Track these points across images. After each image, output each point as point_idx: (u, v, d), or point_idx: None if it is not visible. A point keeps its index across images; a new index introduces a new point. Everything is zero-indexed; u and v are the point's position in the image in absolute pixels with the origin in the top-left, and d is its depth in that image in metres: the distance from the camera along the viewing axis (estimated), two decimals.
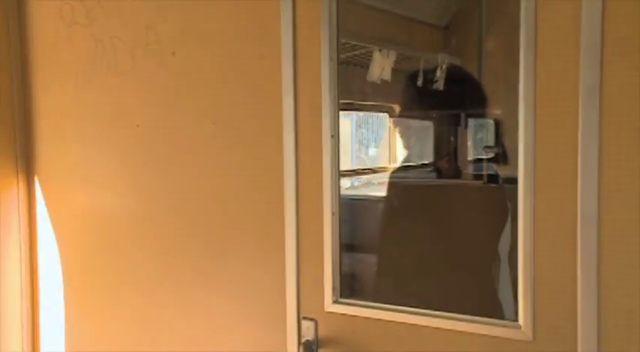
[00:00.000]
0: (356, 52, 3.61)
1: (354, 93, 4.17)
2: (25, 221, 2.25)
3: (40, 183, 2.24)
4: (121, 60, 2.05)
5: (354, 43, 3.37)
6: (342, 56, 3.61)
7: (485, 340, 1.56)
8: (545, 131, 1.47)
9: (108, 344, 2.19)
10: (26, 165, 2.24)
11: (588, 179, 1.41)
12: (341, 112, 1.81)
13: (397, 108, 2.18)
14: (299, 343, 1.78)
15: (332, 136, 1.79)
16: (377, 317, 1.70)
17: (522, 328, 1.52)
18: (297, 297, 1.80)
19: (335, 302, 1.77)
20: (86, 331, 2.24)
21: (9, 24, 2.17)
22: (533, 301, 1.50)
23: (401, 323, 1.66)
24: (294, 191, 1.79)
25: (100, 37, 2.08)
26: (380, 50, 2.56)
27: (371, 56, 3.73)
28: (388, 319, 1.68)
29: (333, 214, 1.76)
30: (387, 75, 2.33)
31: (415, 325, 1.65)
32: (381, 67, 2.55)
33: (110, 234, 2.14)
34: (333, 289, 1.77)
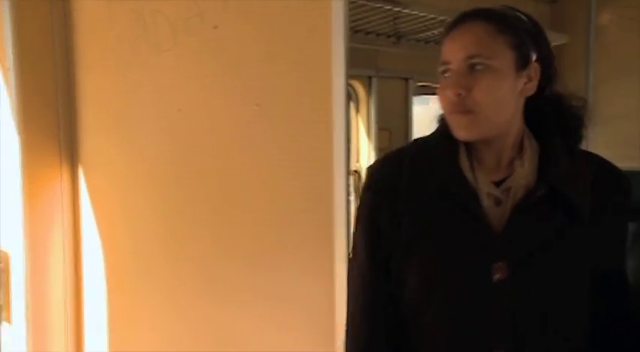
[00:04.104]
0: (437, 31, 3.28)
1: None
2: (69, 216, 2.11)
3: (84, 174, 2.08)
4: (162, 37, 1.86)
5: (442, 18, 3.05)
6: (429, 33, 3.30)
7: None
8: None
9: (152, 341, 2.00)
10: (70, 155, 2.09)
11: None
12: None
13: None
14: None
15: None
16: None
17: None
18: None
19: None
20: (130, 329, 2.07)
21: (52, 3, 2.02)
22: None
23: None
24: (344, 180, 1.53)
25: (140, 12, 1.89)
26: None
27: None
28: None
29: None
30: None
31: None
32: None
33: (154, 227, 1.96)
34: None
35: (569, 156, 1.21)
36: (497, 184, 1.19)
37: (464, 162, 1.22)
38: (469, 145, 1.22)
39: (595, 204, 1.18)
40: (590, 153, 1.27)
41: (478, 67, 1.14)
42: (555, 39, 3.34)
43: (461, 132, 1.17)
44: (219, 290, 1.81)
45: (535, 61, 1.18)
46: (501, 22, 1.17)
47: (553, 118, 1.24)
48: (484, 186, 1.19)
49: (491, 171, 1.21)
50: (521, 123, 1.22)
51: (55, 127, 2.05)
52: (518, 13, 1.21)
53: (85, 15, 2.04)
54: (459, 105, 1.15)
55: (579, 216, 1.16)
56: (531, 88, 1.18)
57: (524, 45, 1.17)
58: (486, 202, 1.18)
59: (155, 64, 1.88)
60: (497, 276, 1.14)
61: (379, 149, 3.30)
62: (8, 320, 2.06)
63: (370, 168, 1.34)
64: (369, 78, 3.25)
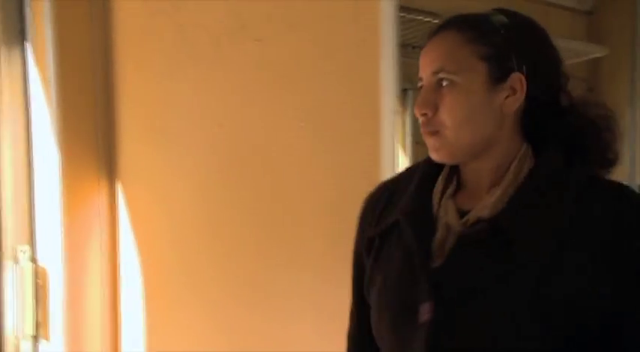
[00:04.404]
0: None
1: None
2: (108, 231, 2.07)
3: (122, 188, 2.06)
4: (204, 50, 1.83)
5: None
6: None
7: None
8: None
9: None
10: (108, 169, 2.06)
11: None
12: None
13: None
14: None
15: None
16: None
17: None
18: None
19: None
20: (169, 345, 2.03)
21: (92, 14, 2.00)
22: None
23: None
24: None
25: (182, 24, 1.87)
26: None
27: None
28: None
29: None
30: None
31: None
32: None
33: (192, 241, 1.93)
34: None
35: (557, 181, 1.01)
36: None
37: (438, 187, 1.10)
38: (455, 168, 1.10)
39: (585, 245, 0.96)
40: (611, 182, 1.05)
41: (444, 83, 1.03)
42: (593, 51, 3.26)
43: (432, 154, 1.06)
44: (266, 302, 1.77)
45: (521, 70, 1.02)
46: (474, 30, 1.04)
47: (554, 133, 1.05)
48: (444, 215, 1.05)
49: (472, 198, 1.06)
50: (513, 143, 1.05)
51: (94, 140, 2.02)
52: (502, 17, 1.05)
53: (126, 27, 2.02)
54: (426, 126, 1.04)
55: (537, 256, 0.95)
56: (514, 103, 1.03)
57: (501, 54, 1.02)
58: (441, 233, 1.04)
59: (196, 77, 1.86)
60: (422, 318, 0.99)
61: (414, 163, 3.25)
62: (46, 337, 2.04)
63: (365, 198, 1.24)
64: (404, 90, 3.20)
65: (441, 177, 1.10)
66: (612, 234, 0.96)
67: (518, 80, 1.02)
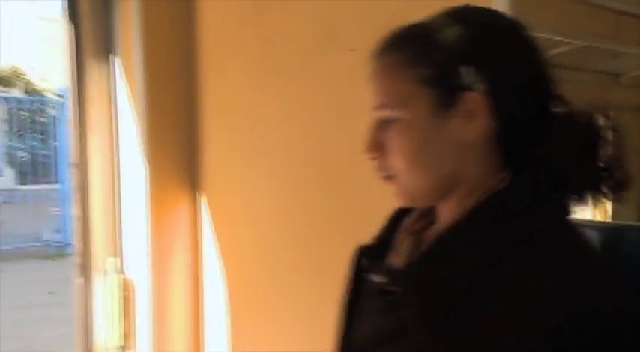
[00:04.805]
0: (556, 51, 3.11)
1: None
2: (191, 243, 2.06)
3: (208, 199, 2.04)
4: (292, 60, 1.80)
5: (556, 38, 2.90)
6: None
7: None
8: None
9: None
10: (193, 180, 2.04)
11: None
12: None
13: None
14: None
15: None
16: None
17: None
18: None
19: None
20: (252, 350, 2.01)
21: (179, 26, 1.99)
22: None
23: None
24: None
25: (270, 34, 1.84)
26: None
27: (573, 55, 3.20)
28: None
29: None
30: None
31: None
32: None
33: (277, 249, 1.90)
34: None
35: (489, 227, 0.80)
36: None
37: (407, 222, 0.96)
38: None
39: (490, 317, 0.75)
40: (564, 242, 0.80)
41: (388, 119, 0.85)
42: None
43: (396, 199, 0.90)
44: None
45: (479, 87, 0.81)
46: (411, 47, 0.85)
47: (536, 153, 0.82)
48: (394, 255, 0.93)
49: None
50: (488, 176, 0.84)
51: (180, 152, 2.01)
52: (449, 23, 0.84)
53: (212, 38, 1.99)
54: (379, 170, 0.88)
55: (426, 317, 0.77)
56: (474, 129, 0.81)
57: (446, 73, 0.82)
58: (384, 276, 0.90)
59: (282, 88, 1.82)
60: None
61: None
62: (133, 348, 2.04)
63: None
64: None
65: (416, 211, 0.95)
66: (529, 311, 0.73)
67: (473, 101, 0.81)
